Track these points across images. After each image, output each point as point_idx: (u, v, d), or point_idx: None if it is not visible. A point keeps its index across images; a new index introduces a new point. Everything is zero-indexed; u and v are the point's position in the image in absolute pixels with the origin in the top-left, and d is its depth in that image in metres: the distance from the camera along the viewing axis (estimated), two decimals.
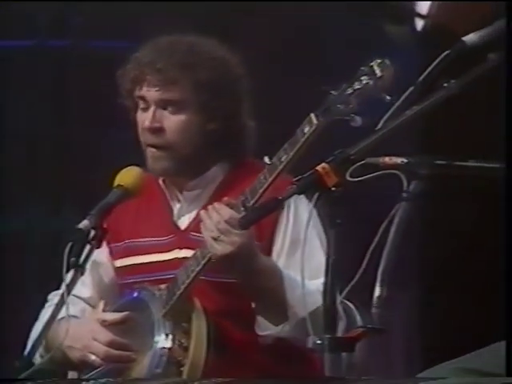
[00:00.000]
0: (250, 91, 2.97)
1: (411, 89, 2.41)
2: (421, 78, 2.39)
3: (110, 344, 2.88)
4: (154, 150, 2.93)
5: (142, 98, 2.95)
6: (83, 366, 2.92)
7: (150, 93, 2.92)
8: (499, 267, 3.80)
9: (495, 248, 3.86)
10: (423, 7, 4.14)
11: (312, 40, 4.06)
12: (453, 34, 2.50)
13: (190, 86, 2.91)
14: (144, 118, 2.94)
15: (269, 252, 2.88)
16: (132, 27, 3.83)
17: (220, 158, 2.98)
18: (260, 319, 2.84)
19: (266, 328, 2.83)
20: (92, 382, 2.90)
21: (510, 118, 2.25)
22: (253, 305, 2.85)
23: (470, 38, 2.40)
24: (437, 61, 2.38)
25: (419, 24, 4.17)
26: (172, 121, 2.92)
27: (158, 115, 2.92)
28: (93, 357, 2.89)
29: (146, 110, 2.94)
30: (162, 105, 2.93)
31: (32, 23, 4.22)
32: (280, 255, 2.88)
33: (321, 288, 2.35)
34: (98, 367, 2.90)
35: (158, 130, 2.92)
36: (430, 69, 2.38)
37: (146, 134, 2.93)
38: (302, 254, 2.52)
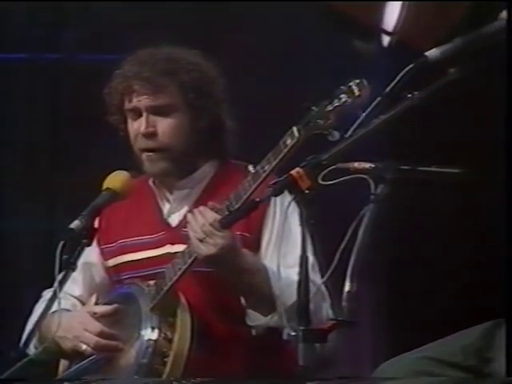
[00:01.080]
0: (226, 92, 3.00)
1: (378, 99, 2.42)
2: (387, 89, 2.40)
3: (100, 334, 2.88)
4: (150, 153, 2.95)
5: (133, 109, 2.96)
6: (75, 354, 2.92)
7: (141, 102, 2.94)
8: (460, 260, 3.84)
9: (456, 244, 3.91)
10: (389, 24, 4.15)
11: (288, 54, 4.07)
12: (416, 50, 2.50)
13: (175, 90, 2.94)
14: (137, 126, 2.96)
15: (258, 243, 2.90)
16: (121, 41, 3.82)
17: (208, 157, 3.00)
18: (250, 311, 2.85)
19: (256, 319, 2.84)
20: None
21: (510, 119, 2.23)
22: (242, 299, 2.86)
23: (432, 53, 2.40)
24: (401, 74, 2.38)
25: (386, 40, 4.19)
26: (164, 124, 2.95)
27: (150, 121, 2.94)
28: (84, 346, 2.90)
29: (137, 118, 2.96)
30: (153, 111, 2.95)
31: (26, 37, 4.21)
32: (268, 246, 2.90)
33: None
34: (89, 356, 2.90)
35: (152, 134, 2.94)
36: (395, 81, 2.39)
37: (141, 139, 2.95)
38: (284, 244, 2.58)
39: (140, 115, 2.96)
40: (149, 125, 2.95)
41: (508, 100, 2.24)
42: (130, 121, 2.98)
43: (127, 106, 2.97)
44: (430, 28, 3.82)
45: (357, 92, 2.52)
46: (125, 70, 2.96)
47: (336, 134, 2.53)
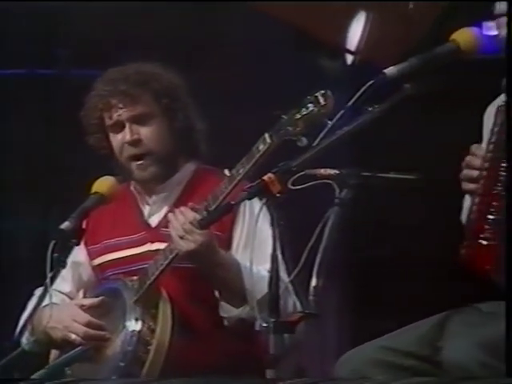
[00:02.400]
0: (190, 97, 3.02)
1: (342, 112, 2.44)
2: (349, 103, 2.41)
3: (88, 325, 2.88)
4: (140, 161, 2.95)
5: (115, 123, 2.96)
6: (65, 344, 2.92)
7: (122, 115, 2.95)
8: (418, 256, 3.85)
9: (413, 241, 3.92)
10: (352, 45, 4.17)
11: (262, 69, 4.09)
12: (376, 67, 2.51)
13: (150, 98, 2.96)
14: (122, 137, 2.96)
15: (229, 242, 2.91)
16: (110, 57, 3.82)
17: (185, 157, 3.01)
18: (223, 303, 2.85)
19: (228, 311, 2.85)
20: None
21: (509, 120, 2.22)
22: (216, 292, 2.86)
23: (390, 70, 2.42)
24: (362, 89, 2.39)
25: (349, 59, 4.20)
26: (146, 131, 2.96)
27: (134, 130, 2.95)
28: (73, 336, 2.89)
29: (120, 131, 2.96)
30: (134, 120, 2.96)
31: (21, 54, 4.20)
32: (239, 245, 2.91)
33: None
34: (78, 345, 2.89)
35: (137, 142, 2.95)
36: (357, 96, 2.40)
37: (128, 148, 2.96)
38: (258, 243, 2.59)
39: (123, 127, 2.97)
40: (133, 133, 2.96)
41: (508, 100, 2.22)
42: (112, 135, 2.99)
43: (108, 122, 2.97)
44: (388, 48, 3.84)
45: (322, 102, 2.53)
46: (99, 90, 2.97)
47: (304, 140, 2.54)
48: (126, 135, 2.95)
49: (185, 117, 2.97)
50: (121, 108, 2.93)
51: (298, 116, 2.56)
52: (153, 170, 2.96)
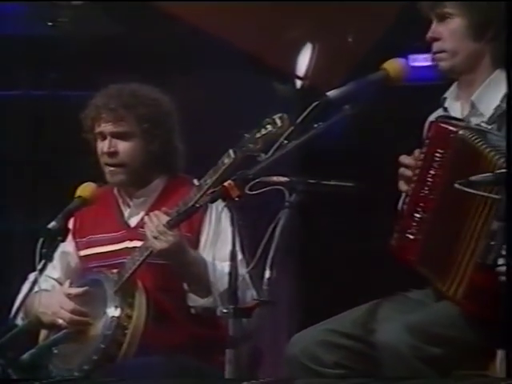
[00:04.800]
0: (179, 122, 2.99)
1: (292, 128, 2.44)
2: (298, 120, 2.41)
3: (73, 311, 2.86)
4: (111, 168, 2.94)
5: (100, 133, 2.95)
6: (53, 327, 2.89)
7: (106, 127, 2.93)
8: (358, 254, 3.87)
9: (355, 240, 3.94)
10: (301, 71, 4.18)
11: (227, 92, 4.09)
12: (320, 90, 2.51)
13: (133, 120, 2.93)
14: (103, 146, 2.94)
15: (197, 242, 2.89)
16: (97, 79, 3.80)
17: (159, 172, 2.99)
18: (191, 294, 2.84)
19: (195, 301, 2.84)
20: None
21: (509, 120, 2.19)
22: (184, 285, 2.85)
23: (332, 93, 2.42)
24: (309, 109, 2.40)
25: (298, 83, 4.21)
26: (123, 146, 2.93)
27: (113, 143, 2.93)
28: (60, 321, 2.86)
29: (103, 140, 2.95)
30: (115, 135, 2.93)
31: (15, 77, 4.17)
32: (206, 244, 2.89)
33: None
34: (64, 329, 2.87)
35: (113, 153, 2.93)
36: (304, 114, 2.40)
37: (105, 156, 2.94)
38: (221, 243, 2.60)
39: (105, 138, 2.95)
40: (111, 146, 2.94)
41: (508, 99, 2.17)
42: (98, 141, 2.97)
43: (96, 129, 2.96)
44: (329, 74, 3.86)
45: (279, 123, 2.54)
46: (96, 101, 2.95)
47: (263, 156, 2.54)
48: (105, 146, 2.93)
49: (162, 141, 2.94)
50: (107, 122, 2.92)
51: (258, 135, 2.57)
52: (121, 178, 2.95)
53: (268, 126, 2.55)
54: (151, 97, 2.95)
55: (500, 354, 2.28)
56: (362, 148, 3.80)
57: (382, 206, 2.58)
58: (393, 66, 2.45)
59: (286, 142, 2.40)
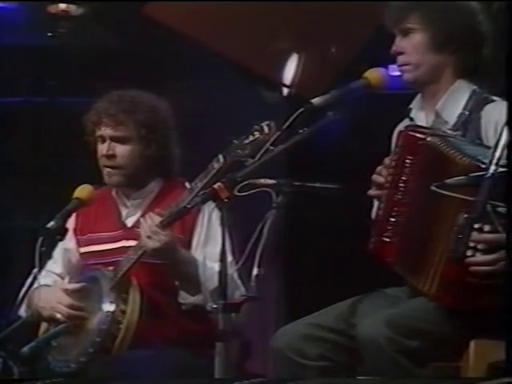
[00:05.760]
0: (175, 128, 2.98)
1: (278, 134, 2.43)
2: (285, 126, 2.41)
3: (70, 306, 2.85)
4: (109, 169, 2.93)
5: (100, 136, 2.94)
6: (52, 320, 2.88)
7: (106, 131, 2.92)
8: (340, 253, 3.87)
9: (338, 239, 3.94)
10: (288, 79, 4.19)
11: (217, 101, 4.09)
12: (305, 98, 2.52)
13: (132, 126, 2.92)
14: (102, 148, 2.94)
15: (189, 243, 2.88)
16: (93, 87, 3.78)
17: (155, 175, 2.98)
18: (181, 292, 2.83)
19: (186, 298, 2.83)
20: None
21: (510, 120, 2.18)
22: (176, 282, 2.84)
23: (317, 100, 2.43)
24: (295, 115, 2.40)
25: (285, 91, 4.21)
26: (121, 150, 2.92)
27: (111, 146, 2.92)
28: (58, 315, 2.85)
29: (103, 143, 2.94)
30: (114, 139, 2.93)
31: (17, 84, 4.16)
32: (197, 245, 2.88)
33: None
34: (62, 322, 2.86)
35: (111, 156, 2.92)
36: (290, 120, 2.40)
37: (104, 158, 2.93)
38: (211, 244, 2.61)
39: (104, 141, 2.95)
40: (109, 149, 2.93)
41: (508, 100, 2.17)
42: (98, 143, 2.97)
43: (97, 133, 2.95)
44: (314, 82, 3.86)
45: (266, 130, 2.53)
46: (98, 106, 2.95)
47: (251, 161, 2.53)
48: (104, 149, 2.93)
49: (159, 146, 2.93)
50: (106, 126, 2.91)
51: (247, 141, 2.56)
52: (117, 179, 2.94)
53: (256, 133, 2.54)
54: (150, 103, 2.94)
55: (472, 344, 2.29)
56: (346, 152, 3.81)
57: (364, 206, 2.59)
58: (373, 74, 2.46)
59: (268, 144, 2.39)
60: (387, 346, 2.27)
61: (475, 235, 2.21)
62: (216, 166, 2.66)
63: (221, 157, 2.65)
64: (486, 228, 2.19)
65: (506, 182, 2.10)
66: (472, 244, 2.22)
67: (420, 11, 2.51)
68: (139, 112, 2.91)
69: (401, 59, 2.54)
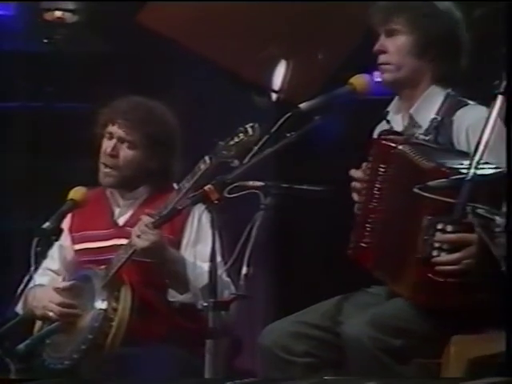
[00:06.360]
0: (181, 142, 2.97)
1: (267, 137, 2.43)
2: (273, 130, 2.41)
3: (61, 304, 2.83)
4: (107, 169, 2.92)
5: (110, 133, 2.93)
6: (45, 319, 2.87)
7: (117, 132, 2.92)
8: (327, 252, 3.87)
9: (324, 238, 3.94)
10: (276, 85, 4.19)
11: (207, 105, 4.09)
12: (293, 103, 2.52)
13: (142, 136, 2.91)
14: (107, 145, 2.93)
15: (179, 242, 2.87)
16: (88, 92, 3.78)
17: (149, 182, 2.97)
18: (170, 290, 2.82)
19: (174, 296, 2.81)
20: None
21: (509, 120, 2.17)
22: (166, 280, 2.82)
23: (304, 105, 2.43)
24: (282, 119, 2.40)
25: (274, 96, 4.22)
26: (125, 152, 2.92)
27: (117, 146, 2.92)
28: (50, 313, 2.84)
29: (110, 139, 2.93)
30: (121, 141, 2.92)
31: (15, 90, 4.14)
32: (187, 245, 2.87)
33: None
34: (55, 320, 2.84)
35: (114, 156, 2.91)
36: (278, 124, 2.41)
37: (107, 156, 2.93)
38: (201, 244, 2.61)
39: (112, 138, 2.94)
40: (114, 149, 2.93)
41: (508, 100, 2.16)
42: (105, 139, 2.95)
43: (109, 129, 2.94)
44: (302, 88, 3.87)
45: (251, 132, 2.52)
46: (116, 105, 2.93)
47: (236, 162, 2.53)
48: (109, 147, 2.92)
49: (160, 160, 2.92)
50: (120, 127, 2.91)
51: (232, 143, 2.55)
52: (111, 180, 2.94)
53: (240, 135, 2.53)
54: (163, 118, 2.94)
55: (452, 341, 2.29)
56: (332, 155, 3.82)
57: (349, 208, 2.59)
58: (358, 81, 2.46)
59: (256, 147, 2.39)
60: (371, 345, 2.27)
61: (439, 236, 2.22)
62: (202, 166, 2.65)
63: (207, 158, 2.64)
64: (449, 228, 2.20)
65: (506, 182, 2.10)
66: (437, 244, 2.23)
67: (407, 14, 2.50)
68: (152, 125, 2.90)
69: (383, 58, 2.53)
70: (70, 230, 2.96)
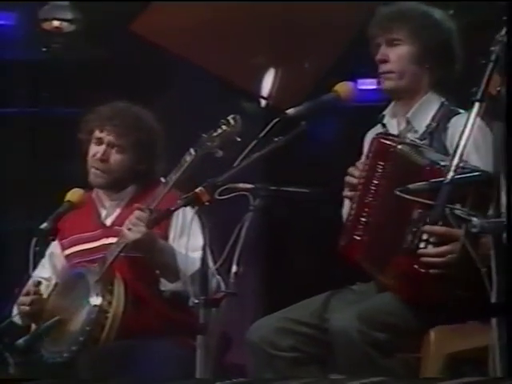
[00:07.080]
0: (163, 147, 2.96)
1: (255, 141, 2.43)
2: (261, 134, 2.41)
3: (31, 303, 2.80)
4: (97, 171, 2.92)
5: (99, 139, 2.93)
6: (28, 319, 2.87)
7: (107, 137, 2.91)
8: (314, 251, 3.88)
9: (311, 238, 3.95)
10: (265, 92, 4.20)
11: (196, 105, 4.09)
12: (281, 108, 2.52)
13: (131, 141, 2.91)
14: (96, 150, 2.92)
15: (166, 236, 2.86)
16: (84, 98, 3.77)
17: (135, 183, 2.97)
18: (161, 279, 2.82)
19: (165, 285, 2.82)
20: None
21: (509, 120, 2.16)
22: (156, 271, 2.83)
23: (291, 111, 2.43)
24: (270, 125, 2.40)
25: (263, 102, 4.23)
26: (115, 157, 2.92)
27: (106, 152, 2.91)
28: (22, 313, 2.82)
29: (98, 145, 2.93)
30: (111, 146, 2.92)
31: (14, 96, 4.14)
32: (175, 237, 2.87)
33: (199, 256, 2.37)
34: (51, 317, 2.83)
35: (104, 161, 2.91)
36: (266, 129, 2.41)
37: (96, 160, 2.92)
38: (187, 236, 2.55)
39: (101, 144, 2.93)
40: (105, 154, 2.93)
41: (508, 100, 2.16)
42: (92, 145, 2.95)
43: (96, 135, 2.93)
44: (290, 95, 3.88)
45: (232, 123, 2.53)
46: (101, 111, 2.93)
47: (220, 153, 2.53)
48: (99, 152, 2.92)
49: (148, 163, 2.93)
50: (109, 133, 2.90)
51: (215, 134, 2.55)
52: (101, 181, 2.95)
53: (223, 126, 2.53)
54: (150, 124, 2.94)
55: (432, 334, 2.31)
56: (318, 158, 3.84)
57: (334, 209, 2.61)
58: (343, 88, 2.47)
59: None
60: (358, 339, 2.27)
61: (427, 228, 2.24)
62: (188, 158, 2.64)
63: (192, 150, 2.63)
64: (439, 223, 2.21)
65: (506, 183, 2.09)
66: (425, 237, 2.24)
67: (409, 24, 2.53)
68: (140, 131, 2.90)
69: (384, 67, 2.55)
70: (59, 238, 2.95)
